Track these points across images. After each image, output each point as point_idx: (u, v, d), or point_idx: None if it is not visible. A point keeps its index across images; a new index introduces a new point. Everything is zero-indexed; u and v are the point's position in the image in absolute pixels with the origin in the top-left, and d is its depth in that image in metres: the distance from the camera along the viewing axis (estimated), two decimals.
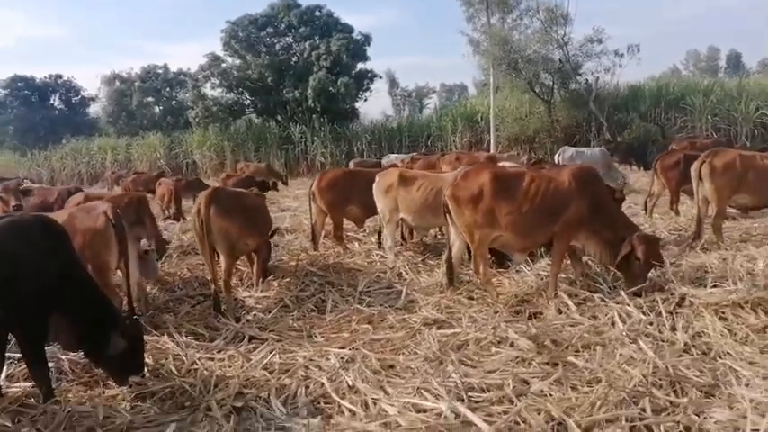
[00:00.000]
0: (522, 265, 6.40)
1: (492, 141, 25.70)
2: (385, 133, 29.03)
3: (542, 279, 5.99)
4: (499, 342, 4.59)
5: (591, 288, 5.69)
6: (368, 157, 25.36)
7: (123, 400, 4.01)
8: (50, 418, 3.69)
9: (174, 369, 4.45)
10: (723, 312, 4.75)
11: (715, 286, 5.31)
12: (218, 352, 4.84)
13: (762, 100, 23.27)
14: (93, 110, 48.25)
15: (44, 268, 3.84)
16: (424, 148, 26.36)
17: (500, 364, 4.20)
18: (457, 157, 12.91)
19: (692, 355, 4.18)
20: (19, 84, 43.69)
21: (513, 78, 26.13)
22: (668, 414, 3.42)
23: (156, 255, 7.10)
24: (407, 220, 7.51)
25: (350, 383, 4.04)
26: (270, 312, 5.74)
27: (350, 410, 3.71)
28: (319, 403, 3.88)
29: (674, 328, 4.61)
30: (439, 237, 8.43)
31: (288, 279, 6.73)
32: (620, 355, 4.17)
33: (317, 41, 29.97)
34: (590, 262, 6.16)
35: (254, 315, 5.73)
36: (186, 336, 5.16)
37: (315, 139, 28.10)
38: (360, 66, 31.16)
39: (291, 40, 31.53)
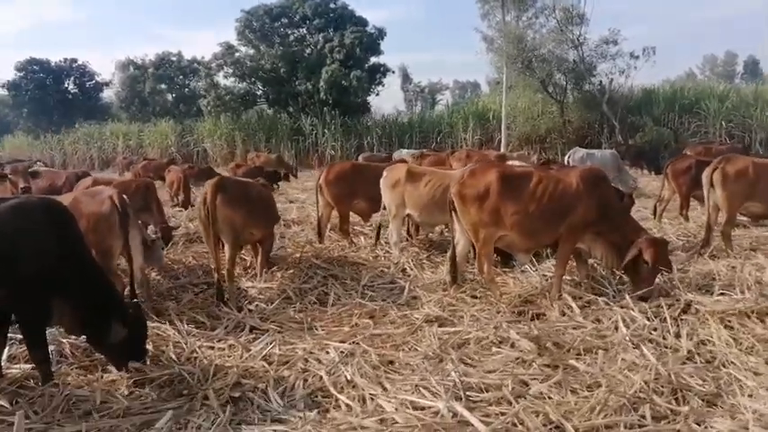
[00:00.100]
0: (527, 266, 6.36)
1: (503, 140, 25.62)
2: (396, 128, 29.01)
3: (547, 280, 5.95)
4: (500, 342, 4.56)
5: (595, 291, 5.63)
6: (378, 151, 25.34)
7: (122, 386, 4.01)
8: (48, 401, 3.70)
9: (173, 356, 4.45)
10: (729, 321, 4.69)
11: (722, 294, 5.24)
12: (219, 341, 4.84)
13: None
14: (107, 95, 48.61)
15: (47, 251, 3.84)
16: (434, 144, 26.31)
17: (500, 364, 4.17)
18: (467, 155, 12.86)
19: (696, 363, 4.13)
20: (34, 66, 43.88)
21: (527, 77, 25.99)
22: (668, 422, 3.37)
23: (162, 242, 7.13)
24: (414, 215, 7.48)
25: (348, 378, 4.02)
26: (272, 303, 5.73)
27: (347, 405, 3.69)
28: (317, 397, 3.87)
29: (678, 335, 4.55)
30: (445, 233, 8.38)
31: (291, 270, 6.72)
32: (623, 360, 4.12)
33: (331, 34, 29.98)
34: (595, 265, 6.11)
35: (257, 305, 5.73)
36: (187, 324, 5.16)
37: (325, 131, 28.12)
38: (373, 60, 31.18)
39: (305, 32, 31.55)
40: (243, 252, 7.14)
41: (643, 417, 3.37)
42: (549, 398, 3.64)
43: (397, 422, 3.40)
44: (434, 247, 7.87)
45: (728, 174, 7.08)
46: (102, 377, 4.15)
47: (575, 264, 6.00)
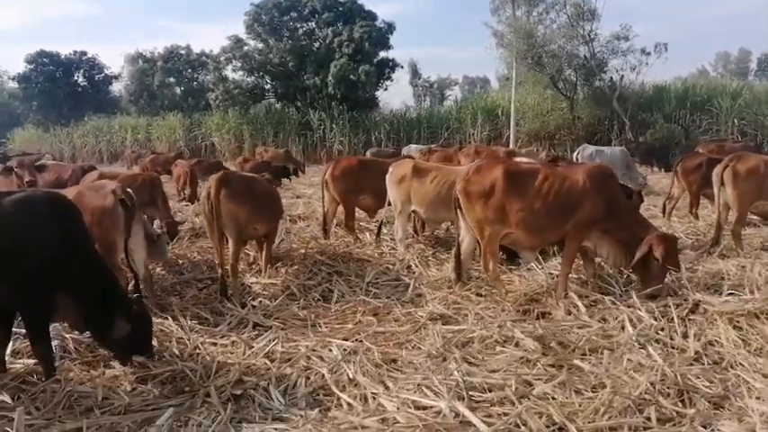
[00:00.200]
0: (533, 264, 6.30)
1: (512, 136, 25.47)
2: (404, 123, 28.89)
3: (553, 278, 5.89)
4: (504, 341, 4.51)
5: (602, 290, 5.56)
6: (386, 146, 25.27)
7: (124, 382, 4.00)
8: (50, 397, 3.70)
9: (176, 352, 4.44)
10: (738, 322, 4.62)
11: (731, 294, 5.18)
12: (222, 337, 4.83)
13: None
14: (116, 88, 48.76)
15: (51, 245, 3.82)
16: (442, 140, 26.19)
17: (504, 363, 4.13)
18: (476, 151, 12.77)
19: (703, 364, 4.07)
20: (44, 59, 44.00)
21: (536, 73, 25.80)
22: (674, 425, 3.32)
23: (168, 237, 7.13)
24: (419, 212, 7.43)
25: (350, 376, 3.99)
26: (276, 300, 5.71)
27: (348, 404, 3.67)
28: (318, 395, 3.84)
29: (685, 336, 4.50)
30: (451, 230, 8.33)
31: (296, 267, 6.70)
32: (628, 360, 4.07)
33: (340, 28, 29.85)
34: (603, 263, 6.04)
35: (260, 302, 5.71)
36: (191, 320, 5.15)
37: (333, 126, 28.05)
38: (382, 54, 31.01)
39: (314, 26, 31.43)
40: (247, 247, 7.13)
41: (648, 419, 3.33)
42: (553, 398, 3.59)
43: (398, 422, 3.37)
44: (440, 244, 7.82)
45: (739, 172, 7.00)
46: (104, 373, 4.14)
47: (581, 262, 5.93)
